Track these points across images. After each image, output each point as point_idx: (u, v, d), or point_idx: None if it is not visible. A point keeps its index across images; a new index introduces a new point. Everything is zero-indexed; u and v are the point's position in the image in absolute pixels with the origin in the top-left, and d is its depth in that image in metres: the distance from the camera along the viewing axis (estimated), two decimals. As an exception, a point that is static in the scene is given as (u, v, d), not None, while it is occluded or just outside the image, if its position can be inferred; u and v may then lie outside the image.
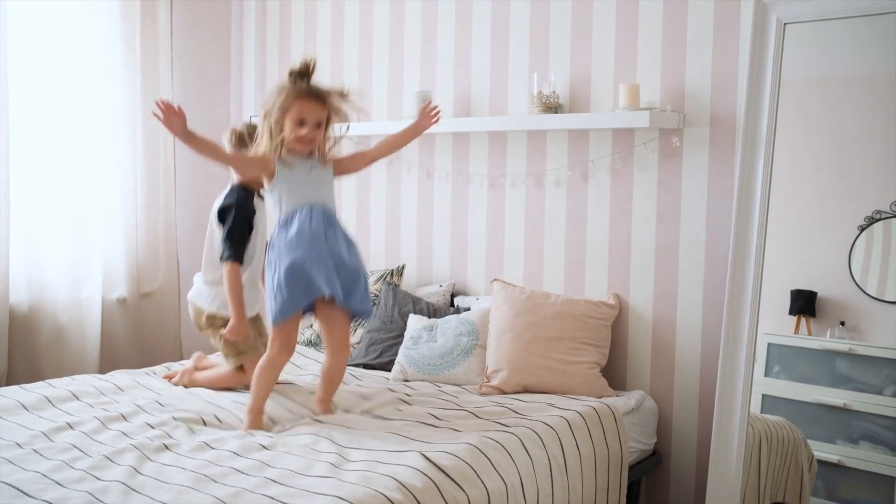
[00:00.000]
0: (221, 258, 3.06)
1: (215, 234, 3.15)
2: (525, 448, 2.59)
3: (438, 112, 2.91)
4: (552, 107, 3.40)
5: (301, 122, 2.71)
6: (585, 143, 3.46)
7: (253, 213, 3.12)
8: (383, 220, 4.09)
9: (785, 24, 2.96)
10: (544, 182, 3.58)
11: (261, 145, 2.77)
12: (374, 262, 4.12)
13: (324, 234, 2.71)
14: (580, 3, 3.45)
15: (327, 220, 2.75)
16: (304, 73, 2.73)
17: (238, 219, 3.07)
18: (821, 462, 2.93)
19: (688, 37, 3.21)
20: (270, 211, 2.91)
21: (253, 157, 2.80)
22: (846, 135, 2.96)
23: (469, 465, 2.38)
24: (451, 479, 2.31)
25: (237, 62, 4.65)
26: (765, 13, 2.99)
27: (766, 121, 2.97)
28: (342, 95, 2.78)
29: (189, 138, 2.64)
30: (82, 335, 3.92)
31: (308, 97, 2.71)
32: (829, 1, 2.86)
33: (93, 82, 3.99)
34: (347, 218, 4.20)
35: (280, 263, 2.71)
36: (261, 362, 2.82)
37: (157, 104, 2.57)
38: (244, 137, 3.09)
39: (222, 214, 3.10)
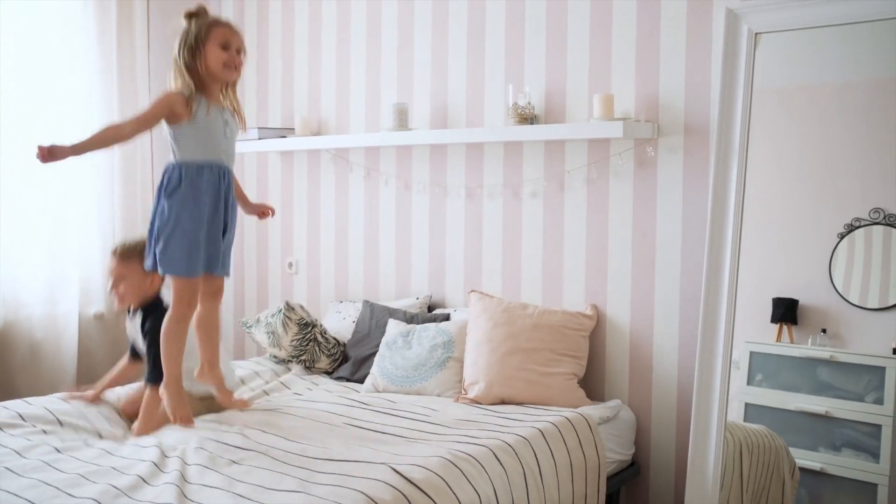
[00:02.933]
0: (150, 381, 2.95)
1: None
2: (498, 459, 2.58)
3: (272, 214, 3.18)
4: (528, 118, 3.40)
5: (225, 47, 2.66)
6: (561, 153, 3.46)
7: None
8: (361, 233, 4.07)
9: (756, 33, 2.97)
10: (521, 193, 3.57)
11: (176, 83, 2.67)
12: (353, 275, 4.10)
13: (223, 203, 2.72)
14: (554, 14, 3.46)
15: (227, 188, 2.74)
16: (199, 14, 2.69)
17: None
18: (804, 470, 2.93)
19: (661, 47, 3.22)
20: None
21: (161, 101, 2.64)
22: (826, 142, 2.96)
23: (441, 478, 2.36)
24: (423, 491, 2.29)
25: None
26: (736, 23, 3.00)
27: (739, 130, 2.97)
28: None
29: (76, 150, 2.50)
30: (59, 352, 3.89)
31: (225, 24, 2.71)
32: (799, 11, 2.87)
33: (69, 97, 3.98)
34: (325, 232, 4.20)
35: (197, 222, 2.66)
36: (168, 323, 2.75)
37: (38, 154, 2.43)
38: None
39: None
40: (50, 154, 2.42)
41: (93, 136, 2.55)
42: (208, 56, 2.64)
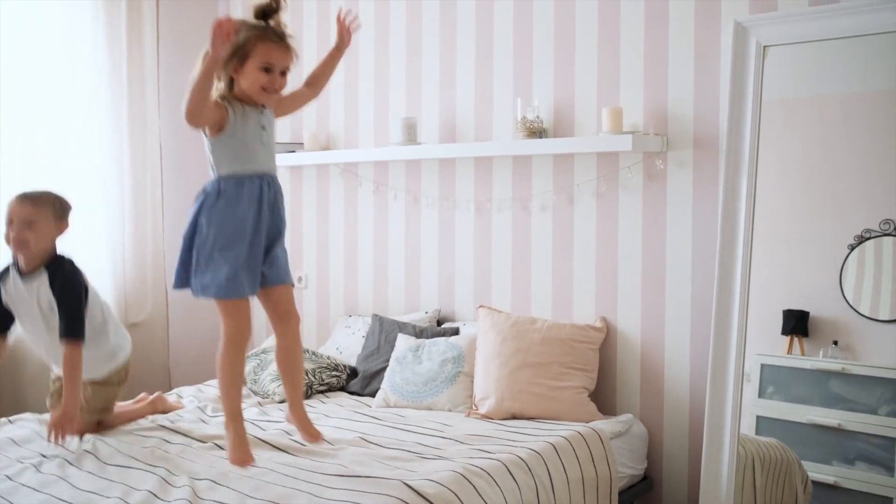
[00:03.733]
0: (68, 335, 2.73)
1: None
2: (511, 473, 2.57)
3: (355, 18, 2.61)
4: (536, 131, 3.41)
5: (267, 69, 2.39)
6: (570, 167, 3.46)
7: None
8: (370, 247, 4.08)
9: (765, 46, 2.97)
10: (530, 206, 3.57)
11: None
12: (363, 289, 4.11)
13: (270, 214, 2.45)
14: (562, 28, 3.47)
15: (274, 196, 2.48)
16: (274, 9, 2.40)
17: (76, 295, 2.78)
18: (816, 483, 2.91)
19: (669, 60, 3.22)
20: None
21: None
22: (833, 154, 2.96)
23: (453, 493, 2.36)
24: (435, 507, 2.28)
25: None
26: (744, 36, 3.00)
27: (749, 142, 2.97)
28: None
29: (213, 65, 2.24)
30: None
31: (275, 38, 2.39)
32: (807, 24, 2.88)
33: (78, 109, 4.00)
34: (334, 246, 4.21)
35: (238, 239, 2.40)
36: (220, 353, 2.49)
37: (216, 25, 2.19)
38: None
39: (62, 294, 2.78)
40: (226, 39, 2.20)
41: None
42: (246, 74, 2.38)
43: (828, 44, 2.88)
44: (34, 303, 2.77)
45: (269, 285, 2.50)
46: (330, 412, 3.26)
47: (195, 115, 2.31)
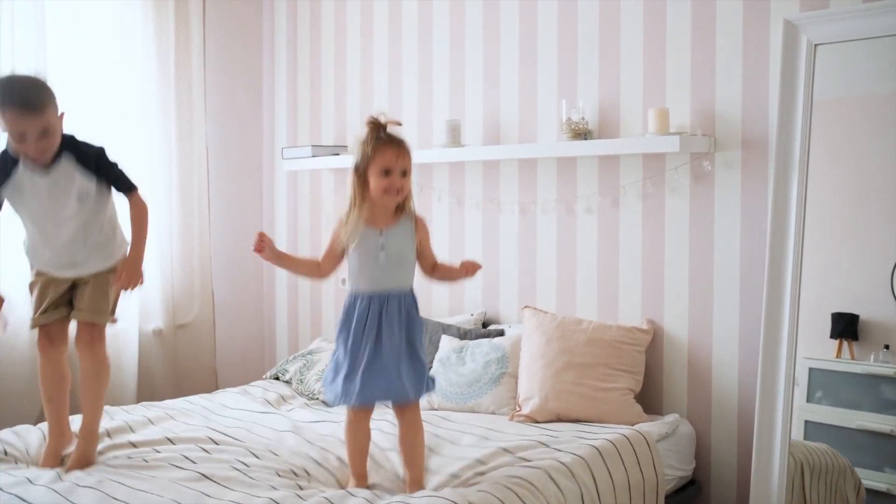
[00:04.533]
0: (128, 188, 2.73)
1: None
2: (554, 480, 2.55)
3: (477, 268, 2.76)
4: (581, 133, 3.39)
5: (387, 173, 2.51)
6: (616, 168, 3.44)
7: None
8: (415, 249, 4.09)
9: (816, 44, 2.93)
10: (575, 208, 3.56)
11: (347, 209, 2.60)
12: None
13: (376, 332, 2.53)
14: (607, 27, 3.45)
15: (392, 312, 2.56)
16: (373, 127, 2.56)
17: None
18: (869, 490, 2.86)
19: (717, 59, 3.19)
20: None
21: (331, 244, 2.63)
22: (885, 153, 2.90)
23: (499, 500, 2.35)
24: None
25: (269, 96, 4.72)
26: (795, 35, 2.96)
27: (799, 143, 2.93)
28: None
29: (280, 258, 2.62)
30: (120, 367, 3.96)
31: (391, 144, 2.53)
32: (858, 21, 2.83)
33: (128, 117, 4.07)
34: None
35: (345, 353, 2.55)
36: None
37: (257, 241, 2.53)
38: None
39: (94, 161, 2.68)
40: (263, 244, 2.52)
41: (298, 258, 2.61)
42: (370, 183, 2.52)
43: (881, 41, 2.82)
44: (70, 190, 2.64)
45: (380, 401, 2.66)
46: (375, 414, 3.27)
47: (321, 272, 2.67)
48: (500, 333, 3.57)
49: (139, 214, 2.77)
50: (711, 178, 3.22)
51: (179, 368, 4.25)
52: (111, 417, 3.11)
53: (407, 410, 2.61)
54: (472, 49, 3.87)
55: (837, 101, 3.00)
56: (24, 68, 3.40)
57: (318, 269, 2.63)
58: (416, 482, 2.56)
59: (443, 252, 3.98)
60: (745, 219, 3.16)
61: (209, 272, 4.38)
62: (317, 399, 3.57)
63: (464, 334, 3.60)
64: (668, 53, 3.30)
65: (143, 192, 2.83)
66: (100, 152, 2.71)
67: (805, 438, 2.98)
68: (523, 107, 3.70)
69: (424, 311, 3.99)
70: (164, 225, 4.18)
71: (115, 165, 2.74)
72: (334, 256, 2.61)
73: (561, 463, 2.65)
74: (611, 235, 3.48)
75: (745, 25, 3.12)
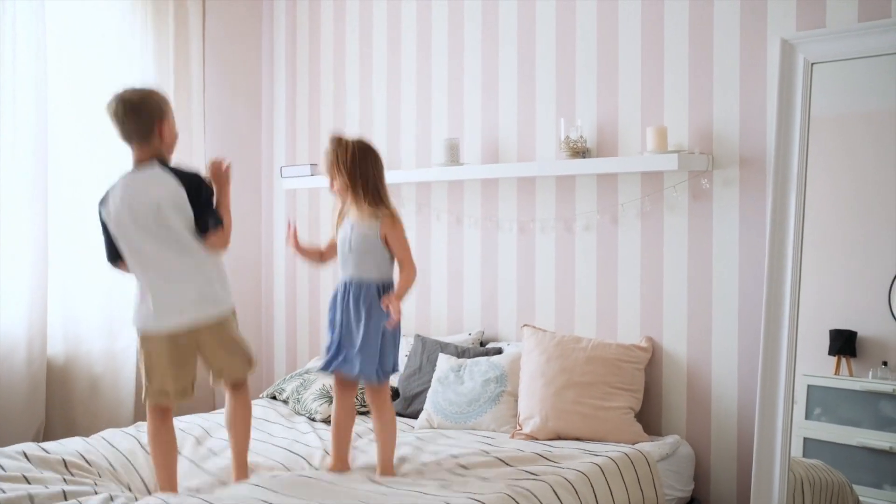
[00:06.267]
0: (209, 228, 2.72)
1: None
2: (557, 496, 2.55)
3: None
4: (580, 151, 3.41)
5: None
6: (614, 186, 3.46)
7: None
8: (414, 267, 4.09)
9: (812, 63, 2.95)
10: (574, 226, 3.57)
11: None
12: (405, 309, 4.10)
13: (342, 313, 2.90)
14: (606, 47, 3.48)
15: (354, 297, 2.88)
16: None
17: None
18: (868, 508, 2.85)
19: (714, 78, 3.21)
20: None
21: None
22: (882, 170, 2.91)
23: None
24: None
25: (268, 115, 4.74)
26: (791, 54, 2.98)
27: (797, 160, 2.95)
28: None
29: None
30: (116, 386, 3.94)
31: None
32: (855, 40, 2.85)
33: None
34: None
35: (329, 329, 2.95)
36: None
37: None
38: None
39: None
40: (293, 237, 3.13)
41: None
42: None
43: (879, 59, 2.85)
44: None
45: (338, 371, 2.96)
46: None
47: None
48: (498, 352, 3.57)
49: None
50: (710, 195, 3.23)
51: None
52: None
53: (368, 393, 2.93)
54: (470, 68, 3.89)
55: (837, 118, 3.02)
56: (24, 70, 3.46)
57: (321, 257, 3.15)
58: (385, 468, 2.81)
59: (441, 270, 3.99)
60: (744, 236, 3.17)
61: (207, 291, 4.36)
62: (314, 419, 3.55)
63: (461, 353, 3.60)
64: (666, 72, 3.32)
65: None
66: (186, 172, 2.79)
67: (804, 456, 2.97)
68: (522, 125, 3.72)
69: (422, 329, 4.02)
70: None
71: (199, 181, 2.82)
72: (333, 244, 3.04)
73: (564, 479, 2.65)
74: (609, 253, 3.48)
75: (743, 45, 3.15)
